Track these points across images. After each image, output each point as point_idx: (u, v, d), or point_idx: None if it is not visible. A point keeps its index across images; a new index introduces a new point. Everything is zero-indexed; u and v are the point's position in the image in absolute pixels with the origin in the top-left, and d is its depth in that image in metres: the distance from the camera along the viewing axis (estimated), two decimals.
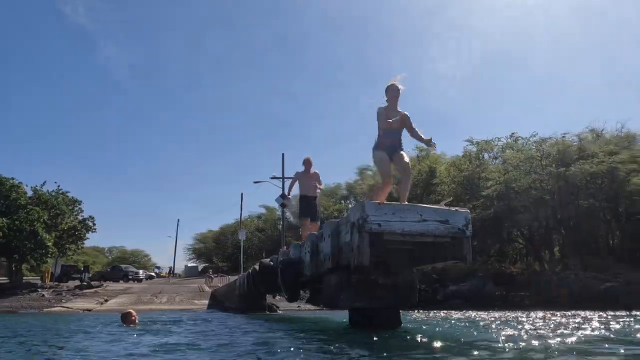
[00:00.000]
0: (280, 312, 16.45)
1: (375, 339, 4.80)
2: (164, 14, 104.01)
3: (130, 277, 42.64)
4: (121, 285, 35.49)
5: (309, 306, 17.24)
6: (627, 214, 24.92)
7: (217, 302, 21.36)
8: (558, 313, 12.95)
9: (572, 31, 67.82)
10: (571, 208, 25.00)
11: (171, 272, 57.67)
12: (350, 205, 46.72)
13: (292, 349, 4.32)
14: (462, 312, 14.06)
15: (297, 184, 10.13)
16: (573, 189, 24.62)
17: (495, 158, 30.67)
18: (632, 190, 24.14)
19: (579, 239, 25.94)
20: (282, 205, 32.60)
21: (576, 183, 24.33)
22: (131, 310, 7.63)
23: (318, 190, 9.97)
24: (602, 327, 7.21)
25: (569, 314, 12.35)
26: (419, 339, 4.83)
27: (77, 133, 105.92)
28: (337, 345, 4.49)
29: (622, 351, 3.95)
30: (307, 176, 9.95)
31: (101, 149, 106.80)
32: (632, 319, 9.40)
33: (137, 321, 7.37)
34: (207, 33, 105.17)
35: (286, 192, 10.40)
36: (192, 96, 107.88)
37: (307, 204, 9.93)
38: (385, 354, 3.80)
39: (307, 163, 9.99)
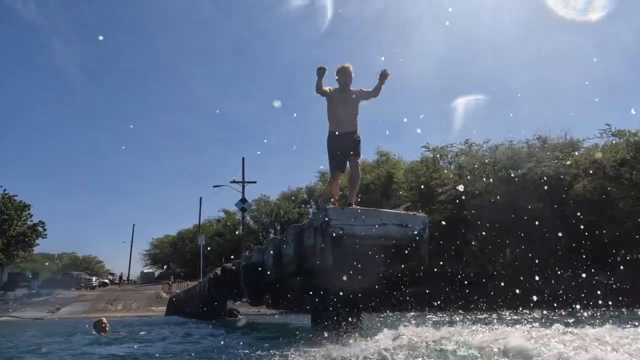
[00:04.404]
0: (240, 317, 16.42)
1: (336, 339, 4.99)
2: (117, 12, 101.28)
3: (82, 284, 41.25)
4: (73, 292, 34.31)
5: (268, 310, 17.31)
6: (573, 218, 26.28)
7: (175, 308, 21.01)
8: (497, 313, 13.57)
9: (516, 45, 70.65)
10: (522, 212, 26.14)
11: (122, 278, 55.94)
12: (310, 209, 47.01)
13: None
14: (419, 313, 14.48)
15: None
16: (523, 193, 25.76)
17: (450, 163, 31.67)
18: (576, 195, 25.54)
19: (530, 242, 27.16)
20: (242, 210, 32.61)
21: (526, 187, 25.49)
22: (102, 318, 7.75)
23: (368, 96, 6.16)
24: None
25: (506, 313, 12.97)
26: (377, 339, 5.05)
27: (26, 134, 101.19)
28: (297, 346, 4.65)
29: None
30: (342, 97, 6.13)
31: (52, 151, 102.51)
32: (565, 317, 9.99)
33: (107, 328, 7.47)
34: (161, 31, 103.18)
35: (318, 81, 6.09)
36: (146, 97, 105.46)
37: (340, 148, 6.13)
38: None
39: (343, 73, 6.12)
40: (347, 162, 6.32)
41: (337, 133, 6.12)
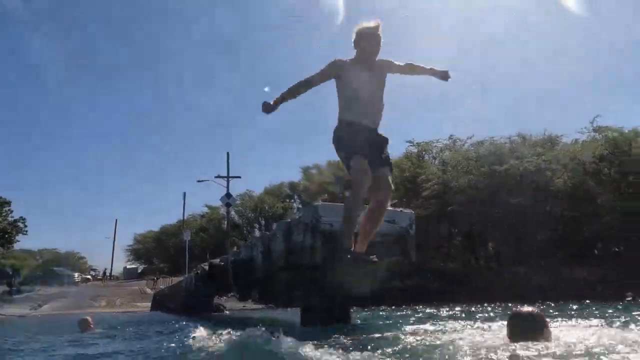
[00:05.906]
0: (227, 312, 16.44)
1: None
2: (97, 6, 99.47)
3: (65, 280, 40.79)
4: (55, 289, 33.86)
5: (254, 305, 17.33)
6: (553, 213, 26.77)
7: (160, 304, 20.92)
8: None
9: (504, 45, 71.34)
10: (504, 206, 26.54)
11: (105, 274, 55.23)
12: (295, 204, 47.17)
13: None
14: (407, 308, 14.66)
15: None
16: (505, 188, 26.14)
17: (435, 158, 31.94)
18: (558, 190, 26.00)
19: (512, 236, 27.62)
20: (227, 205, 32.48)
21: (508, 182, 25.86)
22: (88, 317, 7.71)
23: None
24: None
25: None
26: (366, 335, 5.14)
27: (11, 131, 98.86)
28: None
29: None
30: (367, 73, 3.93)
31: (33, 146, 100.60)
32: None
33: (93, 327, 7.45)
34: (141, 25, 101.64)
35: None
36: (127, 91, 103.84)
37: (364, 140, 3.90)
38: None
39: (370, 37, 3.90)
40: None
41: (353, 123, 3.90)
